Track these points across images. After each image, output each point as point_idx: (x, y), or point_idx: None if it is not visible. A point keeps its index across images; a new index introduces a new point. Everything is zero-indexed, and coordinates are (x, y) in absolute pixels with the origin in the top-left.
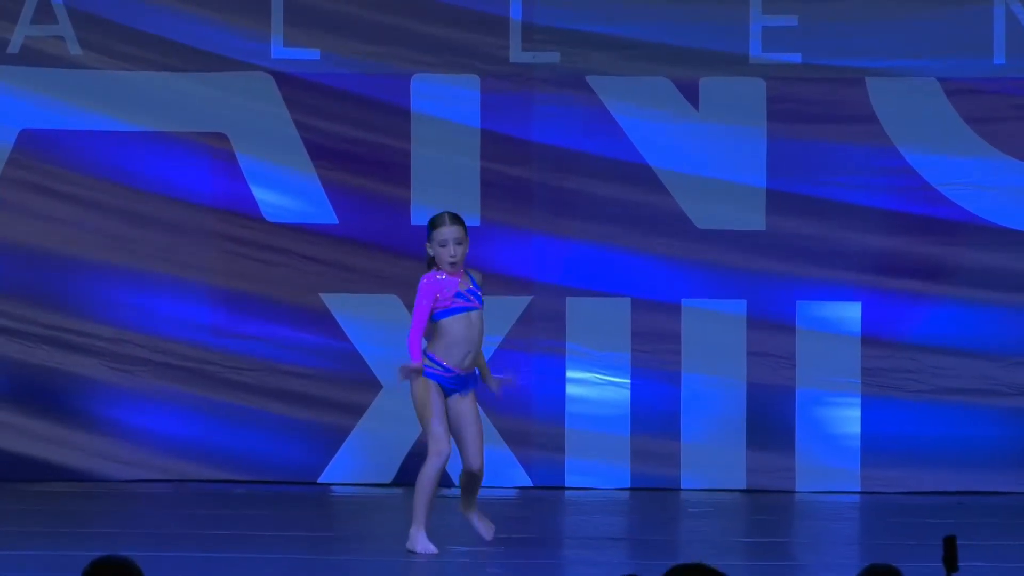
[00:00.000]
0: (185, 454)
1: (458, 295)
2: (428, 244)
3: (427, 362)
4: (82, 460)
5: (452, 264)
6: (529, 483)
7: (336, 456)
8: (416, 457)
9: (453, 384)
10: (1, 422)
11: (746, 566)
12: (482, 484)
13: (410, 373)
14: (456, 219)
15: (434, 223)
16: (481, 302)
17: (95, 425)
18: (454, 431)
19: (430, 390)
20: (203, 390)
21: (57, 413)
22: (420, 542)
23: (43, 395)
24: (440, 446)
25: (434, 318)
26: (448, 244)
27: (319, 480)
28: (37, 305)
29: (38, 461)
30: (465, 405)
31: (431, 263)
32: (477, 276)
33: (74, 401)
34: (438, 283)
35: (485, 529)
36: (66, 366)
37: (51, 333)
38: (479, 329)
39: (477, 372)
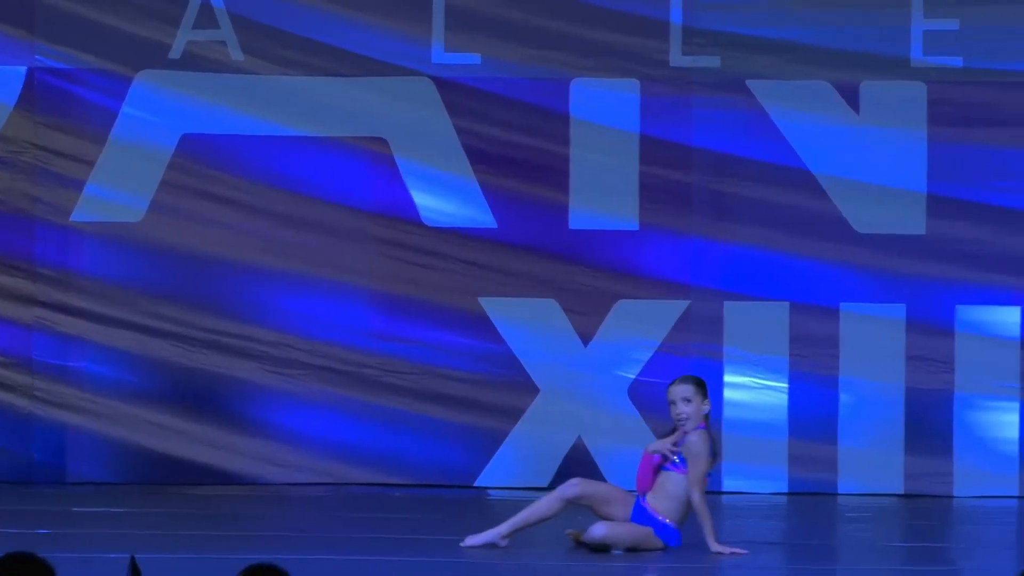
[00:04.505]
0: (344, 457)
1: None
2: None
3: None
4: (241, 463)
5: (676, 421)
6: None
7: (493, 459)
8: (572, 461)
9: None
10: (162, 425)
11: (904, 571)
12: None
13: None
14: (687, 379)
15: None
16: (675, 467)
17: (255, 428)
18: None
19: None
20: (362, 394)
21: (217, 417)
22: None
23: (203, 399)
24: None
25: None
26: (676, 402)
27: (476, 483)
28: (197, 309)
29: (198, 464)
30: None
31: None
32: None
33: (234, 405)
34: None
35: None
36: (226, 370)
37: (211, 337)
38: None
39: (664, 527)
